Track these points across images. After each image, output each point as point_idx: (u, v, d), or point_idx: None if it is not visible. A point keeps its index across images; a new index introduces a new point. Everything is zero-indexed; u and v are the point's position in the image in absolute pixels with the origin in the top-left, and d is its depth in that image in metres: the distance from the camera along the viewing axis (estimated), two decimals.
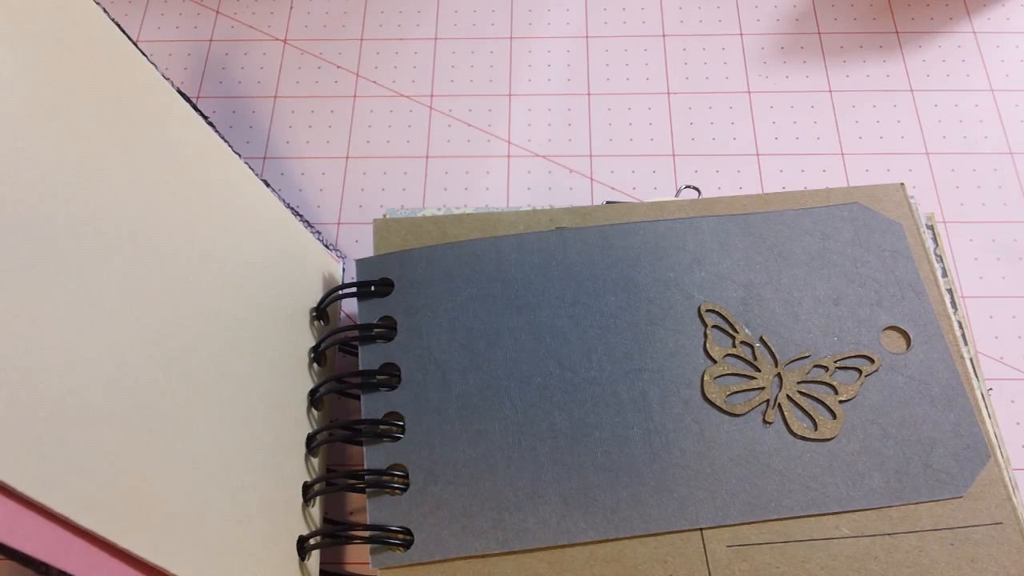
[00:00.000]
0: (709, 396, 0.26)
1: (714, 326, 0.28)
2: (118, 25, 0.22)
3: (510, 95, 0.40)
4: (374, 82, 0.40)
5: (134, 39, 0.23)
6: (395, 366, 0.28)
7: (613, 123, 0.39)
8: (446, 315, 0.28)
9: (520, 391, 0.27)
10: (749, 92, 0.39)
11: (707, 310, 0.28)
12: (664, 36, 0.41)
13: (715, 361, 0.27)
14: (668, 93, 0.40)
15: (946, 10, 0.41)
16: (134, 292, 0.20)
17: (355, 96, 0.40)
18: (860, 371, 0.26)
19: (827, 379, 0.26)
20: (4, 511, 0.15)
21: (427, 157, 0.38)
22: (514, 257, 0.29)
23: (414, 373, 0.27)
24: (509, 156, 0.38)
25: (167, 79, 0.24)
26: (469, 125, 0.39)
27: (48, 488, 0.16)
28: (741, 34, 0.41)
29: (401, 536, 0.25)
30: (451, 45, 0.41)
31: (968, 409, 0.26)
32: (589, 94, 0.40)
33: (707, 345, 0.27)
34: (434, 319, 0.28)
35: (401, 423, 0.27)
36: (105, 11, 0.22)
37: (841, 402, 0.26)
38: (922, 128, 0.38)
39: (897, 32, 0.40)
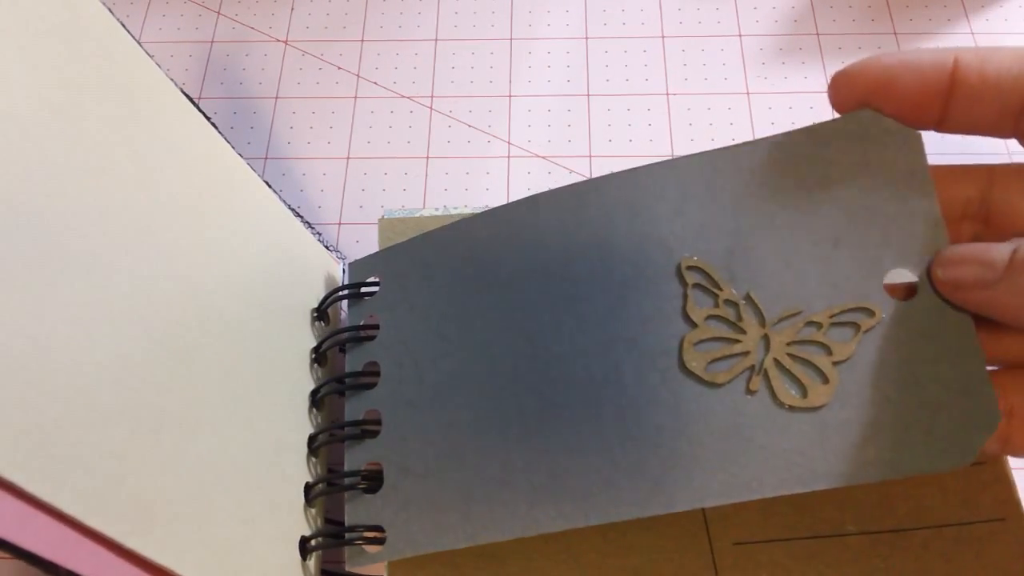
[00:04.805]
0: (688, 365, 0.23)
1: (695, 285, 0.24)
2: (123, 26, 0.22)
3: (510, 96, 0.40)
4: (375, 83, 0.40)
5: (136, 40, 0.23)
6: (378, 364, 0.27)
7: (612, 124, 0.39)
8: (422, 305, 0.27)
9: (489, 375, 0.25)
10: (748, 93, 0.40)
11: (687, 267, 0.24)
12: (663, 37, 0.41)
13: (695, 325, 0.24)
14: (667, 94, 0.40)
15: (944, 11, 0.41)
16: (141, 292, 0.21)
17: (356, 97, 0.40)
18: (858, 326, 0.22)
19: (820, 338, 0.23)
20: (14, 511, 0.15)
21: (427, 158, 0.38)
22: (485, 234, 0.27)
23: (391, 369, 0.27)
24: (509, 156, 0.38)
25: (171, 79, 0.24)
26: (469, 126, 0.39)
27: (58, 489, 0.16)
28: (740, 35, 0.41)
29: (374, 535, 0.25)
30: (451, 46, 0.41)
31: (980, 365, 0.21)
32: (588, 95, 0.40)
33: (687, 307, 0.24)
34: (411, 311, 0.27)
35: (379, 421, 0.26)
36: (111, 11, 0.22)
37: (835, 364, 0.22)
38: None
39: (896, 34, 0.41)
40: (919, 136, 0.23)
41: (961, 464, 0.21)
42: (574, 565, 0.25)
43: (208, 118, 0.26)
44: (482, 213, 0.27)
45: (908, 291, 0.22)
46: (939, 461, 0.21)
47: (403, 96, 0.40)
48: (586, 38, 0.41)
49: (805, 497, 0.26)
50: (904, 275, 0.23)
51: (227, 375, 0.24)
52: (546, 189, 0.37)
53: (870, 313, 0.22)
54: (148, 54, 0.23)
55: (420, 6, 0.42)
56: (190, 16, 0.42)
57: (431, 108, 0.40)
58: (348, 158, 0.38)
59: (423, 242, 0.28)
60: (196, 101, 0.26)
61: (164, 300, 0.22)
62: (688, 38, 0.41)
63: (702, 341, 0.23)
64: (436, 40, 0.41)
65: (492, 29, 0.42)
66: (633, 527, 0.25)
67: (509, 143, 0.39)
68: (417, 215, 0.31)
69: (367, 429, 0.26)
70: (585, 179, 0.26)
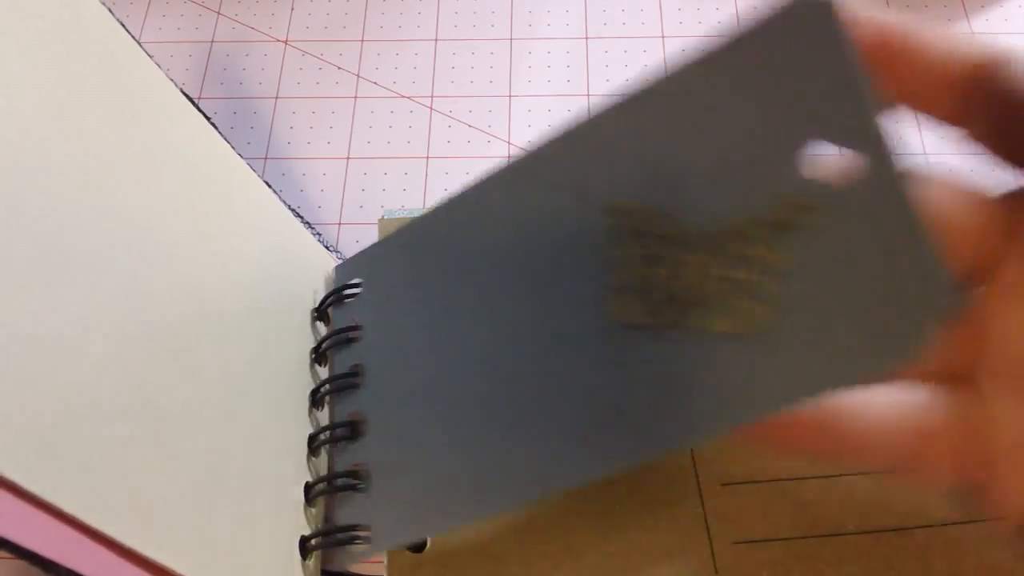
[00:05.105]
0: (618, 313, 0.22)
1: (618, 226, 0.22)
2: (123, 26, 0.22)
3: (510, 96, 0.40)
4: (375, 83, 0.40)
5: (136, 40, 0.23)
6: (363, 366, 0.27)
7: None
8: (397, 304, 0.27)
9: (462, 366, 0.25)
10: None
11: (610, 207, 0.22)
12: (663, 38, 0.41)
13: (622, 268, 0.22)
14: None
15: (944, 11, 0.41)
16: (140, 291, 0.21)
17: (356, 97, 0.40)
18: (794, 231, 0.20)
19: (754, 252, 0.20)
20: (15, 510, 0.15)
21: (427, 157, 0.38)
22: (458, 218, 0.26)
23: (377, 368, 0.27)
24: (509, 157, 0.38)
25: (171, 79, 0.24)
26: (469, 126, 0.39)
27: (58, 487, 0.16)
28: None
29: (367, 534, 0.25)
30: (451, 46, 0.41)
31: (927, 243, 0.18)
32: (588, 95, 0.40)
33: (612, 252, 0.22)
34: (388, 311, 0.27)
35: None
36: (111, 11, 0.22)
37: (772, 279, 0.20)
38: (920, 129, 0.38)
39: None
40: (836, 8, 0.19)
41: (913, 356, 0.18)
42: (574, 565, 0.25)
43: (208, 118, 0.26)
44: (451, 199, 0.26)
45: (842, 181, 0.20)
46: (890, 356, 0.19)
47: (403, 96, 0.40)
48: (586, 38, 0.41)
49: (805, 496, 0.26)
50: (836, 163, 0.20)
51: (227, 375, 0.24)
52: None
53: (806, 212, 0.20)
54: (148, 54, 0.23)
55: (420, 6, 0.42)
56: (190, 16, 0.42)
57: (431, 108, 0.40)
58: (348, 158, 0.38)
59: (395, 239, 0.28)
60: (196, 101, 0.26)
61: (164, 300, 0.22)
62: (688, 38, 0.41)
63: (629, 284, 0.22)
64: (436, 40, 0.41)
65: (492, 29, 0.42)
66: (633, 526, 0.25)
67: (509, 143, 0.39)
68: (417, 215, 0.31)
69: (356, 430, 0.27)
70: (531, 152, 0.24)
